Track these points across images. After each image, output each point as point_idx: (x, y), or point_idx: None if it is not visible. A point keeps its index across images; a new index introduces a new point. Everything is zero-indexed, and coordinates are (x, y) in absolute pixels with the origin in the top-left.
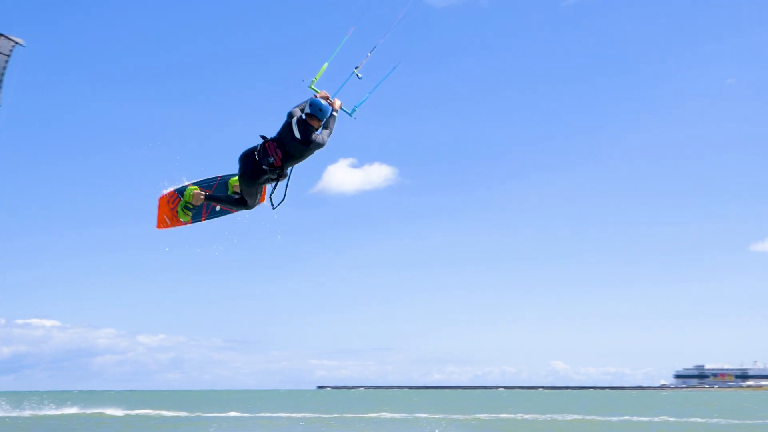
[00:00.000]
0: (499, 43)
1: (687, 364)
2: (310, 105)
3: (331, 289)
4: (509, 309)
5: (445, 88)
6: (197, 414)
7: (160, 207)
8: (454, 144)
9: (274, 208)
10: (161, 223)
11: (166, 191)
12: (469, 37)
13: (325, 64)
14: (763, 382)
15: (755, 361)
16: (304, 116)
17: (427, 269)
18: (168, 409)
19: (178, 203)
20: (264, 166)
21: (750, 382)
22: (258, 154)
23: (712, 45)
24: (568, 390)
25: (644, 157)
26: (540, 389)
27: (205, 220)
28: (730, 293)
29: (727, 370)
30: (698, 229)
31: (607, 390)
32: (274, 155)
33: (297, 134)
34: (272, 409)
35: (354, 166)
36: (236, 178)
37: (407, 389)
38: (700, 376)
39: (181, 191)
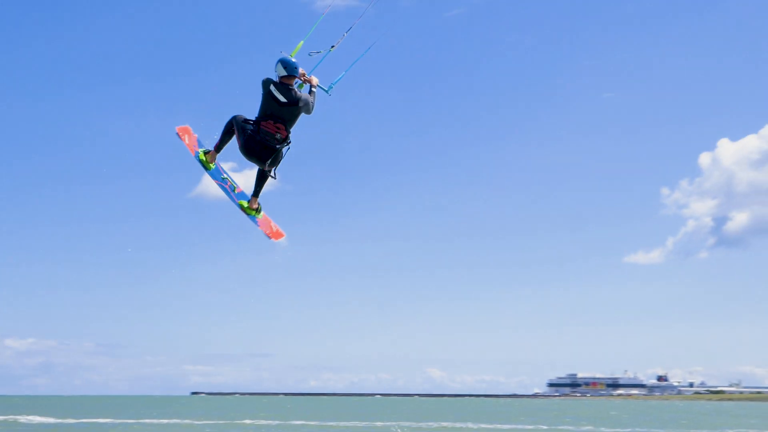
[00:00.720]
0: (381, 51)
1: (560, 373)
2: (283, 65)
3: (208, 294)
4: (385, 317)
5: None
6: (66, 420)
7: (181, 133)
8: (332, 148)
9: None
10: (188, 145)
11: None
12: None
13: (301, 42)
14: (633, 391)
15: (626, 371)
16: (278, 79)
17: (303, 276)
18: (36, 415)
19: (195, 149)
20: (276, 146)
21: (620, 391)
22: (263, 139)
23: (591, 60)
24: (444, 397)
25: (521, 167)
26: (416, 396)
27: (217, 183)
28: (603, 304)
29: (598, 379)
30: (573, 240)
31: (482, 398)
32: (277, 131)
33: (282, 98)
34: (144, 415)
35: (234, 170)
36: (246, 203)
37: (283, 396)
38: (572, 385)
39: (200, 144)
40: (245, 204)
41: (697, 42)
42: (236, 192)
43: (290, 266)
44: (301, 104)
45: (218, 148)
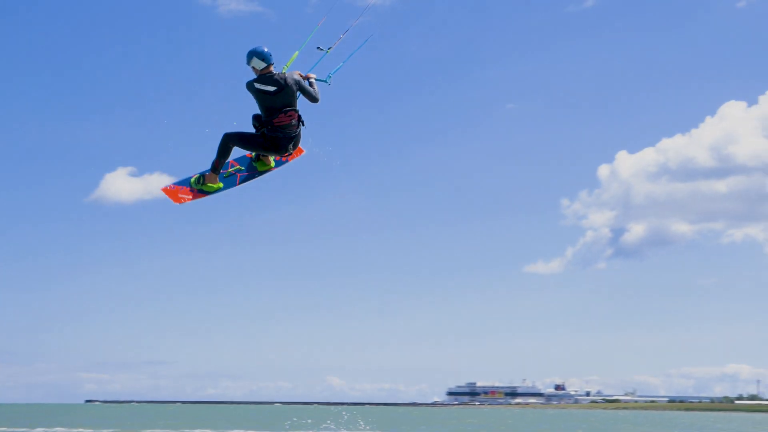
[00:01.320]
0: None
1: (459, 381)
2: (258, 57)
3: (103, 300)
4: (284, 324)
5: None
6: None
7: (168, 193)
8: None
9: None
10: (177, 199)
11: (166, 186)
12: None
13: (296, 53)
14: (531, 400)
15: (524, 379)
16: (258, 74)
17: (201, 283)
18: None
19: (188, 187)
20: (297, 131)
21: (519, 400)
22: (284, 134)
23: (494, 71)
24: (344, 405)
25: (423, 175)
26: (315, 405)
27: (238, 184)
28: (503, 313)
29: (497, 387)
30: (474, 249)
31: (381, 406)
32: (290, 118)
33: (271, 88)
34: (36, 423)
35: (133, 174)
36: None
37: (180, 404)
38: (471, 393)
39: (185, 181)
40: (262, 165)
41: (597, 55)
42: (247, 169)
43: (188, 272)
44: (290, 83)
45: (216, 168)
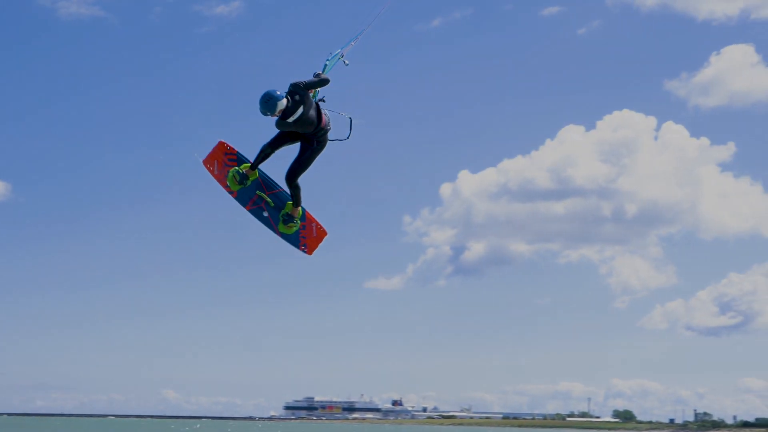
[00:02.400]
0: None
1: (297, 396)
2: (277, 100)
3: None
4: (119, 335)
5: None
6: None
7: (215, 149)
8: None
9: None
10: (209, 163)
11: (228, 143)
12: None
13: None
14: (368, 415)
15: (362, 395)
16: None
17: (31, 291)
18: None
19: (232, 166)
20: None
21: (356, 415)
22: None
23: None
24: (179, 419)
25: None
26: (149, 418)
27: (247, 209)
28: (343, 327)
29: (335, 402)
30: (316, 264)
31: (218, 420)
32: (321, 120)
33: (309, 129)
34: None
35: None
36: (290, 203)
37: (6, 416)
38: (309, 408)
39: (240, 158)
40: (282, 227)
41: (441, 75)
42: (273, 211)
43: (16, 280)
44: (307, 111)
45: (255, 166)
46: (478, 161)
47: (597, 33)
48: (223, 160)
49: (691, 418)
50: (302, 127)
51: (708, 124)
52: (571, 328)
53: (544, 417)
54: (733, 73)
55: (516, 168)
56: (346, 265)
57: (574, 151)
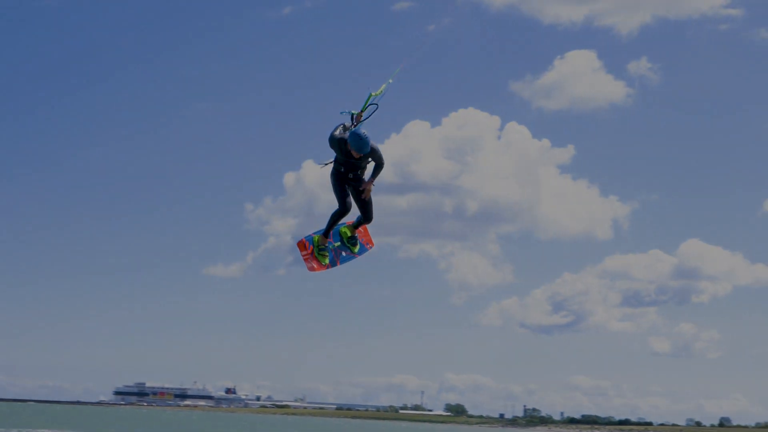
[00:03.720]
0: None
1: (128, 381)
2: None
3: None
4: None
5: None
6: None
7: (300, 251)
8: None
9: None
10: (311, 267)
11: (302, 240)
12: None
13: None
14: (201, 402)
15: (195, 382)
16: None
17: None
18: None
19: (312, 248)
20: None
21: (188, 402)
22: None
23: (185, 68)
24: (3, 402)
25: (105, 174)
26: None
27: (339, 264)
28: (179, 314)
29: (167, 389)
30: (152, 248)
31: (44, 404)
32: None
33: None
34: None
35: None
36: (346, 227)
37: None
38: (140, 394)
39: (309, 239)
40: (347, 233)
41: (290, 65)
42: (342, 247)
43: None
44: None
45: (327, 233)
46: (323, 152)
47: (447, 30)
48: (307, 249)
49: (521, 414)
50: (372, 156)
51: (550, 126)
52: (408, 321)
53: (378, 409)
54: (576, 77)
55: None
56: (186, 250)
57: (418, 146)
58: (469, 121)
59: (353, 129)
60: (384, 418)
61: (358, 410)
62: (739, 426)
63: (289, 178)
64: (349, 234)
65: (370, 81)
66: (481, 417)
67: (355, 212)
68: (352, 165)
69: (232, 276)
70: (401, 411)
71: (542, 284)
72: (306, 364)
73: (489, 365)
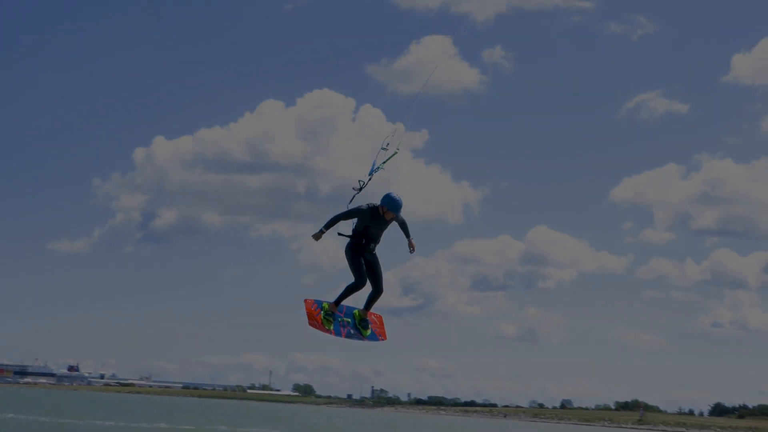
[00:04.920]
0: None
1: None
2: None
3: None
4: None
5: None
6: None
7: (306, 308)
8: None
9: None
10: (311, 323)
11: (308, 299)
12: None
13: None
14: (42, 380)
15: (36, 359)
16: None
17: None
18: None
19: (320, 312)
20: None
21: (29, 379)
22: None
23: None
24: None
25: None
26: None
27: (344, 337)
28: (19, 289)
29: (6, 365)
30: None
31: None
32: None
33: (384, 226)
34: None
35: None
36: (358, 311)
37: None
38: None
39: (320, 303)
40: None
41: (138, 39)
42: (352, 326)
43: None
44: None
45: (338, 303)
46: (175, 128)
47: (303, 10)
48: (314, 312)
49: (369, 395)
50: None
51: (404, 110)
52: (258, 301)
53: (225, 388)
54: (431, 62)
55: (213, 138)
56: (30, 224)
57: (272, 126)
58: (324, 102)
59: (386, 194)
60: (231, 398)
61: (205, 389)
62: (580, 408)
63: (139, 153)
64: (361, 317)
65: (221, 59)
66: (329, 397)
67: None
68: (378, 231)
69: (78, 251)
70: (249, 391)
71: (393, 267)
72: (152, 342)
73: (338, 346)
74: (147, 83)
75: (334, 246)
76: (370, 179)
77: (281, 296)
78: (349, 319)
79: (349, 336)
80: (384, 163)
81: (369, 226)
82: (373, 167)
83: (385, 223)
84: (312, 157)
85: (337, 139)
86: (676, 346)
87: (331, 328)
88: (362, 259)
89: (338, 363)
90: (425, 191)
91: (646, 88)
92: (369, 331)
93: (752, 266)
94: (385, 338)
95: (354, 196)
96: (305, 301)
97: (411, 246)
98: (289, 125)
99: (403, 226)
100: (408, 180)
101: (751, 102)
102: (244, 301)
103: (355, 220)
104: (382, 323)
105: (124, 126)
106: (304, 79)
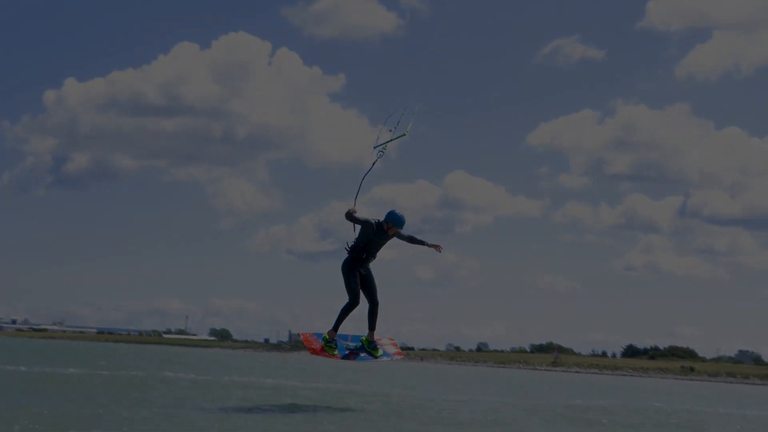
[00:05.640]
0: None
1: None
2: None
3: None
4: None
5: None
6: None
7: (304, 342)
8: None
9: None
10: (313, 353)
11: (305, 333)
12: None
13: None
14: None
15: None
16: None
17: None
18: None
19: (320, 342)
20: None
21: None
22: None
23: None
24: None
25: None
26: None
27: (352, 359)
28: None
29: None
30: None
31: None
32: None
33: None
34: None
35: None
36: (364, 337)
37: None
38: None
39: (319, 335)
40: (366, 340)
41: None
42: (361, 350)
43: None
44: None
45: (336, 328)
46: (86, 70)
47: None
48: (313, 343)
49: (286, 339)
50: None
51: (321, 54)
52: (173, 246)
53: (140, 333)
54: (347, 6)
55: (126, 81)
56: None
57: (187, 69)
58: (240, 46)
59: (390, 211)
60: (147, 342)
61: (120, 334)
62: (495, 351)
63: (49, 95)
64: (369, 340)
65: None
66: (246, 342)
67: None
68: (379, 245)
69: None
70: (165, 336)
71: (310, 212)
72: (65, 287)
73: (255, 291)
74: (57, 23)
75: (251, 190)
76: (380, 155)
77: (197, 241)
78: (356, 344)
79: (359, 359)
80: (388, 142)
81: (372, 240)
82: (377, 143)
83: (386, 238)
84: (228, 100)
85: (254, 83)
86: (590, 289)
87: (336, 353)
88: (358, 278)
89: (256, 307)
90: (343, 136)
91: (562, 34)
92: (380, 351)
93: (665, 210)
94: (401, 355)
95: (367, 172)
96: (302, 335)
97: (437, 248)
98: (204, 68)
99: (412, 238)
100: (324, 125)
101: (666, 48)
102: (159, 246)
103: (356, 235)
104: (395, 344)
105: (33, 67)
106: (219, 21)
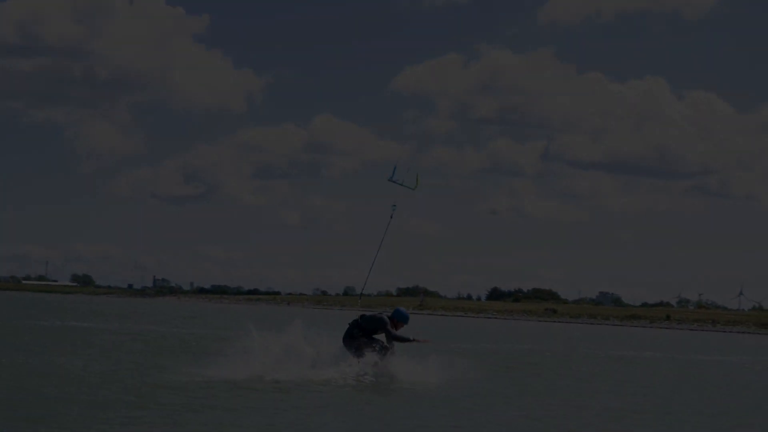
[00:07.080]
0: None
1: None
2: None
3: None
4: None
5: None
6: None
7: None
8: None
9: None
10: None
11: None
12: None
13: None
14: None
15: None
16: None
17: None
18: None
19: None
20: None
21: None
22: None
23: None
24: None
25: None
26: None
27: None
28: None
29: None
30: None
31: None
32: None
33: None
34: None
35: None
36: None
37: None
38: None
39: None
40: None
41: None
42: None
43: None
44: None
45: None
46: None
47: None
48: None
49: (150, 284)
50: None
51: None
52: (33, 189)
53: None
54: None
55: None
56: None
57: (44, 7)
58: None
59: (398, 309)
60: (6, 289)
61: None
62: (363, 294)
63: None
64: None
65: None
66: (109, 288)
67: None
68: (380, 335)
69: None
70: (24, 282)
71: (174, 155)
72: None
73: (118, 236)
74: None
75: (113, 133)
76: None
77: (58, 185)
78: None
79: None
80: (400, 184)
81: (377, 329)
82: (392, 176)
83: (388, 332)
84: (88, 40)
85: (115, 23)
86: (455, 232)
87: None
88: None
89: (119, 252)
90: (207, 78)
91: None
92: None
93: (528, 155)
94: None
95: (385, 231)
96: None
97: (427, 342)
98: (63, 6)
99: (402, 338)
100: (188, 66)
101: None
102: (17, 190)
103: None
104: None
105: None
106: None
